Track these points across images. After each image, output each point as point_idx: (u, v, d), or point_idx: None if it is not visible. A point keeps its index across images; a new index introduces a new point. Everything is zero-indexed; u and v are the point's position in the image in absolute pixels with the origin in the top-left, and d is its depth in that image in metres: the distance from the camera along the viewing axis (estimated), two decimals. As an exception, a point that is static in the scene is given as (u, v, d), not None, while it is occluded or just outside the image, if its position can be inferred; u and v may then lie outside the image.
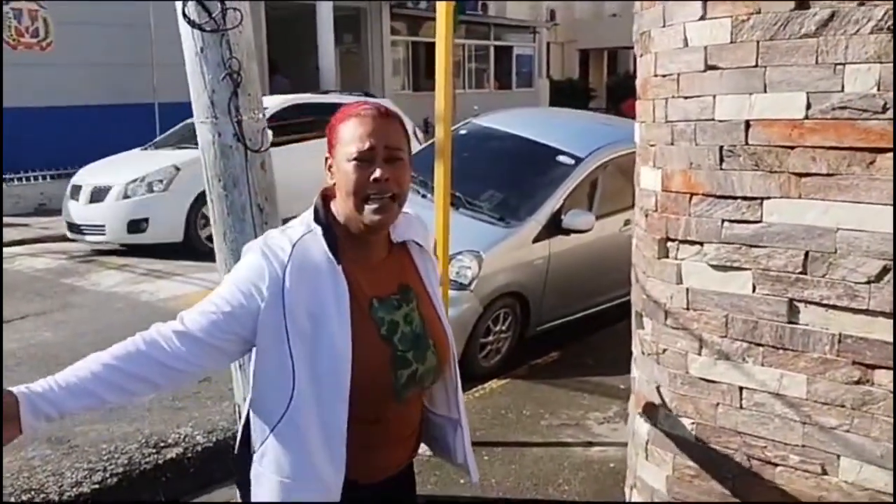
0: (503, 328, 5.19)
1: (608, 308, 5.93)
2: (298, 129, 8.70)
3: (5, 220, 10.17)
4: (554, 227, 5.28)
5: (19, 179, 10.97)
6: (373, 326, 1.55)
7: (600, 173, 5.68)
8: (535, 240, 5.23)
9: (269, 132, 2.93)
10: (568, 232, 5.30)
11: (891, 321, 1.89)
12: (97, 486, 3.50)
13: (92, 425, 4.07)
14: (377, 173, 1.50)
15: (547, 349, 5.39)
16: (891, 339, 1.89)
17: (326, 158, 1.58)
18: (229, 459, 2.02)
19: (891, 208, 1.84)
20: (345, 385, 1.49)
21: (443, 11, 3.49)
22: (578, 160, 5.56)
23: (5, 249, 8.57)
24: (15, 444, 3.76)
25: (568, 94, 23.15)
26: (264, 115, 2.96)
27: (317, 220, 1.57)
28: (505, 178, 5.82)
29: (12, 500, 3.35)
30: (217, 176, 2.89)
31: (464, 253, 4.85)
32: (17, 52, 11.41)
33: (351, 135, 1.52)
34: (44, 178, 11.20)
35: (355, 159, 1.51)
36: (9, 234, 9.21)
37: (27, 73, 11.24)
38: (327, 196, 1.62)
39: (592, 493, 3.43)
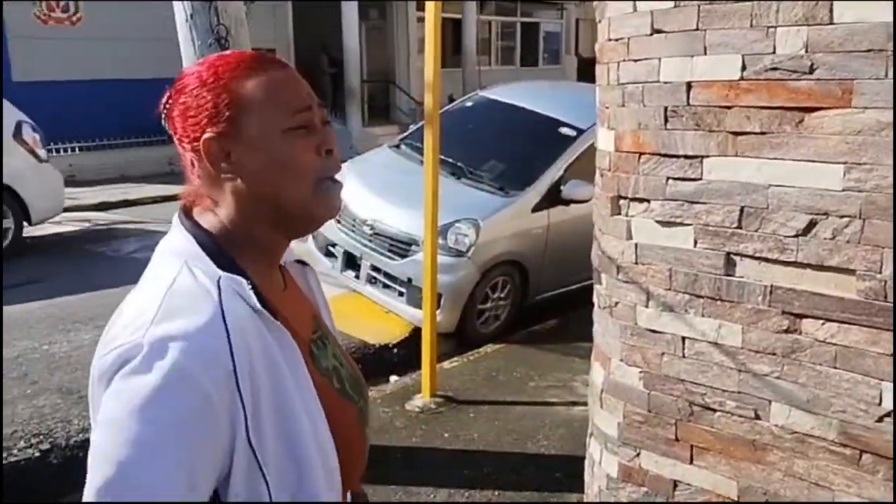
0: (502, 296, 5.33)
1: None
2: None
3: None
4: (554, 197, 5.39)
5: (49, 151, 11.25)
6: (327, 383, 1.10)
7: (603, 145, 5.76)
8: (535, 209, 5.34)
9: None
10: (568, 202, 5.40)
11: (818, 273, 1.99)
12: (102, 432, 3.72)
13: (102, 378, 4.29)
14: (330, 142, 1.05)
15: (547, 317, 5.52)
16: (817, 290, 1.99)
17: (207, 142, 1.00)
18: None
19: (817, 164, 1.94)
20: (338, 485, 1.05)
21: (431, 11, 3.66)
22: (580, 132, 5.64)
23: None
24: (28, 394, 4.00)
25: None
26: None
27: (210, 252, 1.01)
28: (507, 148, 5.93)
29: (22, 443, 3.58)
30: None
31: (462, 221, 4.98)
32: (47, 26, 11.71)
33: (272, 94, 1.02)
34: (73, 150, 11.52)
35: (297, 127, 1.02)
36: (38, 203, 9.53)
37: (57, 47, 11.56)
38: (189, 208, 1.07)
39: (569, 448, 3.57)
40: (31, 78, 11.44)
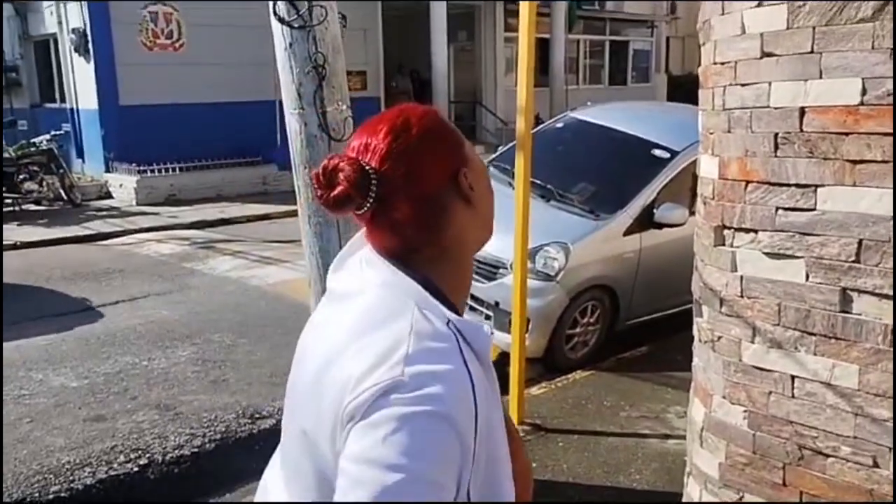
0: (591, 321, 5.21)
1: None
2: None
3: (140, 208, 11.01)
4: (646, 220, 5.25)
5: (152, 171, 11.78)
6: (519, 441, 1.17)
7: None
8: (626, 233, 5.21)
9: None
10: (660, 226, 5.25)
11: (947, 312, 1.84)
12: (196, 450, 3.81)
13: (196, 395, 4.41)
14: None
15: (637, 344, 5.36)
16: (946, 331, 1.84)
17: (464, 175, 1.05)
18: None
19: (947, 196, 1.80)
20: None
21: (525, 11, 3.58)
22: (674, 154, 5.48)
23: (138, 235, 9.30)
24: (128, 409, 4.12)
25: (687, 90, 22.46)
26: (348, 106, 3.14)
27: (436, 296, 1.00)
28: (598, 170, 5.82)
29: (122, 457, 3.69)
30: (303, 163, 3.10)
31: (551, 244, 4.90)
32: (152, 52, 12.28)
33: (470, 150, 1.09)
34: (174, 170, 11.99)
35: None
36: (141, 221, 9.97)
37: (161, 72, 12.10)
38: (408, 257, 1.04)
39: (663, 484, 3.43)
40: (135, 101, 12.01)
